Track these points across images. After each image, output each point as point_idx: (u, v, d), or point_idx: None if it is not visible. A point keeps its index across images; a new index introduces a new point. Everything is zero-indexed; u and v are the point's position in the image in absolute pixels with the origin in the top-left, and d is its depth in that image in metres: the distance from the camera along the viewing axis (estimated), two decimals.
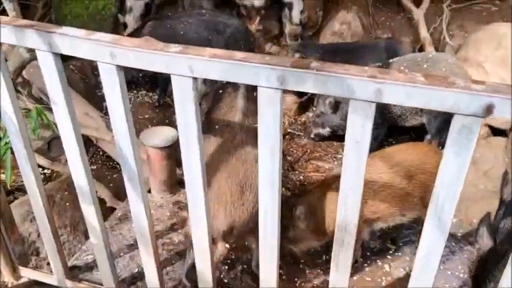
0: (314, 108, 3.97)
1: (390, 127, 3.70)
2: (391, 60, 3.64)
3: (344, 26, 4.79)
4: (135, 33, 4.36)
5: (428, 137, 3.64)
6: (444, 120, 3.45)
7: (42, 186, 1.97)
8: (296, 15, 4.81)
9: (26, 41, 1.58)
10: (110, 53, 1.48)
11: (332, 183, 2.40)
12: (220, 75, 1.41)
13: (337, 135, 3.89)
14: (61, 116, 1.74)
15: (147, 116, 4.44)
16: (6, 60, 1.77)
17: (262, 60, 1.35)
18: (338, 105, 3.65)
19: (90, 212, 1.98)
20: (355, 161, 1.41)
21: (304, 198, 2.45)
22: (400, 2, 4.93)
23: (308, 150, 4.02)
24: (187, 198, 1.74)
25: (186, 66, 1.43)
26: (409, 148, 2.57)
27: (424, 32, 4.55)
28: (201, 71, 1.43)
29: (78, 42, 1.51)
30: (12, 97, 1.76)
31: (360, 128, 1.35)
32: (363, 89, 1.28)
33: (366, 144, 1.37)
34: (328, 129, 3.80)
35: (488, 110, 1.18)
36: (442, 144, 3.67)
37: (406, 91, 1.24)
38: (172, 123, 4.36)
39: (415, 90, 1.23)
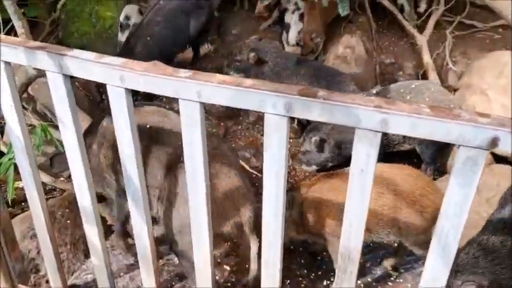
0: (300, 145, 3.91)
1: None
2: (374, 91, 3.66)
3: (348, 49, 4.83)
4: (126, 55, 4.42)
5: (423, 164, 3.66)
6: (438, 148, 3.45)
7: (45, 204, 1.98)
8: (292, 36, 4.88)
9: (37, 63, 1.60)
10: (120, 77, 1.50)
11: (318, 185, 2.61)
12: (228, 101, 1.43)
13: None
14: (68, 136, 1.76)
15: None
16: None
17: (269, 88, 1.37)
18: (323, 144, 3.59)
19: (92, 232, 1.99)
20: (360, 189, 1.42)
21: (292, 191, 2.65)
22: (403, 28, 4.99)
23: (310, 173, 4.02)
24: (191, 219, 1.74)
25: (195, 92, 1.45)
26: (392, 168, 2.60)
27: (427, 58, 4.58)
28: (208, 97, 1.44)
29: (89, 65, 1.53)
30: (19, 114, 1.78)
31: (365, 157, 1.36)
32: (369, 119, 1.30)
33: (370, 173, 1.38)
34: (314, 167, 3.72)
35: (493, 143, 1.19)
36: (438, 170, 3.68)
37: (411, 122, 1.25)
38: None
39: (421, 122, 1.24)
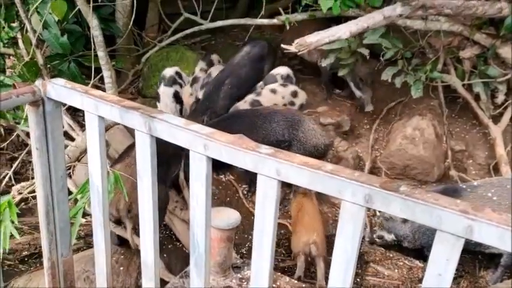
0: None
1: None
2: (476, 183, 3.53)
3: (417, 131, 4.76)
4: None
5: (499, 268, 3.44)
6: None
7: (110, 257, 2.02)
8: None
9: (129, 121, 1.70)
10: (204, 145, 1.56)
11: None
12: (306, 182, 1.44)
13: (400, 246, 3.73)
14: (143, 191, 1.82)
15: None
16: None
17: (351, 176, 1.37)
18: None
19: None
20: None
21: None
22: (477, 116, 4.88)
23: (366, 251, 3.89)
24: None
25: (274, 169, 1.47)
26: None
27: (500, 150, 4.42)
28: (287, 176, 1.46)
29: (177, 130, 1.60)
30: (103, 169, 1.88)
31: (444, 261, 1.30)
32: (453, 223, 1.25)
33: (448, 279, 1.31)
34: (393, 236, 3.65)
35: None
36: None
37: (499, 233, 1.19)
38: (232, 203, 4.41)
39: (509, 234, 1.18)
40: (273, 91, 4.82)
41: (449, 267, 1.30)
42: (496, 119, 4.77)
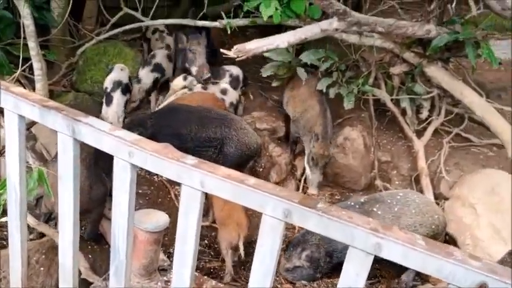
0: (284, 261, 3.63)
1: None
2: (362, 200, 3.68)
3: (347, 141, 4.94)
4: None
5: (408, 271, 3.63)
6: None
7: (26, 258, 1.94)
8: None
9: (50, 123, 1.65)
10: (129, 152, 1.54)
11: None
12: (229, 195, 1.46)
13: None
14: (65, 194, 1.77)
15: (140, 192, 4.43)
16: None
17: (272, 191, 1.41)
18: (317, 257, 3.46)
19: None
20: None
21: None
22: (403, 130, 5.14)
23: None
24: None
25: (198, 180, 1.48)
26: None
27: (422, 163, 4.69)
28: (211, 188, 1.47)
29: (101, 135, 1.57)
30: (21, 168, 1.80)
31: (354, 275, 1.37)
32: (363, 240, 1.32)
33: None
34: (304, 282, 3.60)
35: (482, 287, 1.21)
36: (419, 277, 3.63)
37: (404, 251, 1.28)
38: (163, 204, 4.36)
39: (413, 253, 1.27)
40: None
41: (359, 281, 1.38)
42: (419, 134, 5.04)
